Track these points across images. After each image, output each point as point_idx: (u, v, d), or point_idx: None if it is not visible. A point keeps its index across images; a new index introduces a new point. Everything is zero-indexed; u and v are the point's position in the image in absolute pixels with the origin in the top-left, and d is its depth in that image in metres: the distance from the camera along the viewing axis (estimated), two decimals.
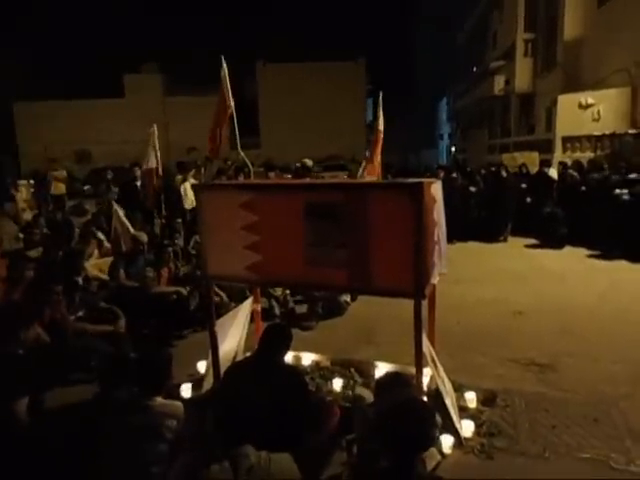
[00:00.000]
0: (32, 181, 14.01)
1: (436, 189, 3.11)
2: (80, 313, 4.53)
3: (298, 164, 10.82)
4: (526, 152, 13.43)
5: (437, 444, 2.90)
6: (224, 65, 5.12)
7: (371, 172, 7.21)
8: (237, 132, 5.28)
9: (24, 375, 3.19)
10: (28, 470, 2.49)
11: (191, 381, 3.83)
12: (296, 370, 3.37)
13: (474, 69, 29.55)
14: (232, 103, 5.20)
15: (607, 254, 8.29)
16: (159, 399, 2.55)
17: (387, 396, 2.51)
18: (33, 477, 2.53)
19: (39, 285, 4.30)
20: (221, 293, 5.31)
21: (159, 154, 8.22)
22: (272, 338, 3.05)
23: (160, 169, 8.34)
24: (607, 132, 13.07)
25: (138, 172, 8.97)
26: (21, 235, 6.78)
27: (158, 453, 2.41)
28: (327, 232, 2.95)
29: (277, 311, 5.54)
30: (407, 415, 1.90)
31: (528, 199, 10.31)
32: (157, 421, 2.46)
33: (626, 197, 8.31)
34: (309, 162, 10.09)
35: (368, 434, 2.43)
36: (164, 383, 2.64)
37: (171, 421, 2.49)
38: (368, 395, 3.59)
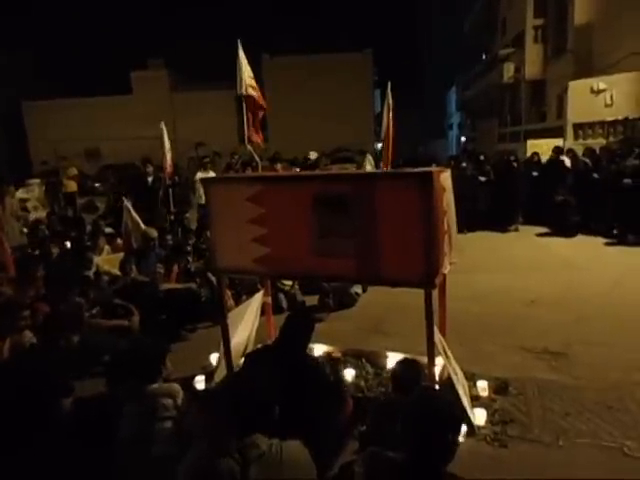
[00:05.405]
0: (44, 179, 14.18)
1: (445, 178, 3.10)
2: (94, 310, 4.60)
3: (310, 157, 10.99)
4: (548, 140, 13.35)
5: None
6: (241, 51, 4.88)
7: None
8: (245, 125, 5.24)
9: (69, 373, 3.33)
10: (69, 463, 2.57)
11: (204, 373, 3.88)
12: (317, 360, 3.40)
13: (483, 57, 29.17)
14: (244, 92, 5.04)
15: (621, 241, 8.19)
16: (154, 385, 2.63)
17: (410, 386, 2.46)
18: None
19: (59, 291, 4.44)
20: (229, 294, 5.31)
21: (167, 150, 8.28)
22: (295, 327, 3.09)
23: (169, 165, 8.40)
24: (620, 117, 12.84)
25: (150, 168, 9.04)
26: (25, 230, 6.86)
27: (159, 433, 2.48)
28: (336, 223, 2.95)
29: (285, 304, 5.53)
30: (443, 423, 1.67)
31: (541, 184, 10.18)
32: (151, 402, 2.54)
33: (628, 181, 8.20)
34: (313, 155, 10.53)
35: (385, 425, 2.40)
36: (157, 372, 2.71)
37: (167, 399, 2.56)
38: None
